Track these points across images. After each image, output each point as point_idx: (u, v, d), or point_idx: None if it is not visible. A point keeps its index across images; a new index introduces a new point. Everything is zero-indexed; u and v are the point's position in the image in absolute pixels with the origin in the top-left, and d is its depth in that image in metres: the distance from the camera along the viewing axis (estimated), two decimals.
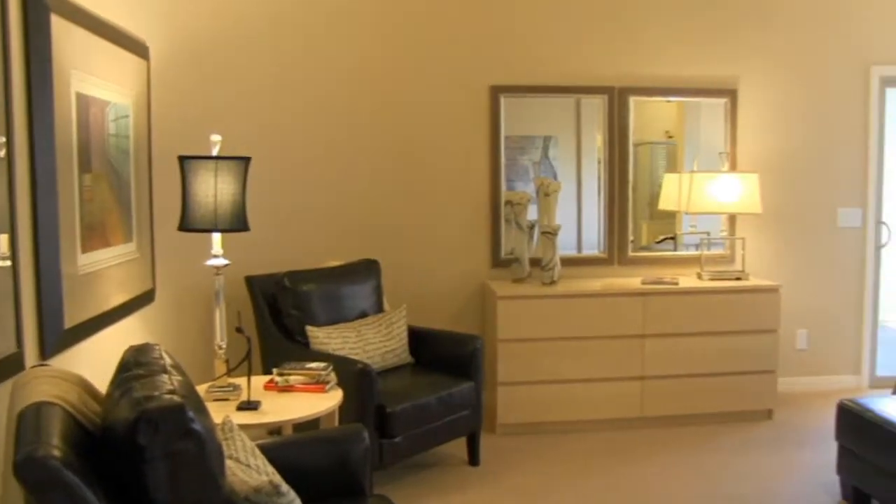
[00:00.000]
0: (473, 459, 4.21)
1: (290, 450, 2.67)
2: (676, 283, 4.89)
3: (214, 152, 3.46)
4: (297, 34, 4.83)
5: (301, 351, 3.93)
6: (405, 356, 4.28)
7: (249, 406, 3.17)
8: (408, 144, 5.02)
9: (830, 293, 5.62)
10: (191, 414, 1.74)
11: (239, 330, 3.32)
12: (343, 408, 3.42)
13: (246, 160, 3.41)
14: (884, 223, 5.74)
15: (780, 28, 5.41)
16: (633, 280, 5.03)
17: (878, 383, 5.62)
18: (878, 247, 5.71)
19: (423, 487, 3.94)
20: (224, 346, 3.48)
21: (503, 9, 5.08)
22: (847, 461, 3.74)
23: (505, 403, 4.65)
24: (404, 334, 4.29)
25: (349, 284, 4.39)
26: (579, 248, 5.32)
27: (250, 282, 4.28)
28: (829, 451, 3.92)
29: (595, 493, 3.90)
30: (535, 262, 4.94)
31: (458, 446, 4.22)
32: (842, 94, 5.54)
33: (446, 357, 4.24)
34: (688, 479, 4.08)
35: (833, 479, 3.85)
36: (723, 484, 4.02)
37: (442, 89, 5.04)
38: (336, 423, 3.38)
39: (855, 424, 3.67)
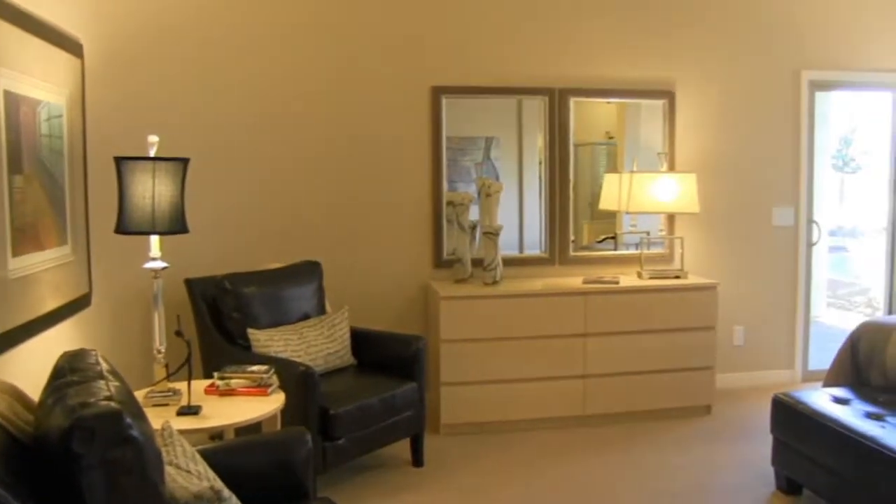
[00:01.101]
0: (417, 460, 4.21)
1: (231, 454, 2.63)
2: (617, 283, 4.95)
3: (152, 153, 3.40)
4: (237, 34, 4.77)
5: (242, 354, 3.88)
6: (348, 358, 4.26)
7: (190, 411, 3.12)
8: (349, 146, 4.99)
9: (765, 290, 5.76)
10: (128, 420, 1.70)
11: (178, 334, 3.27)
12: (285, 411, 3.38)
13: (185, 161, 3.36)
14: (815, 222, 5.91)
15: (715, 32, 5.53)
16: (574, 280, 5.08)
17: (810, 377, 5.78)
18: (810, 245, 5.88)
19: (367, 489, 3.92)
20: (163, 350, 3.42)
21: (445, 10, 5.09)
22: (781, 452, 3.84)
23: (448, 404, 4.65)
24: (347, 336, 4.27)
25: (291, 286, 4.35)
26: (521, 249, 5.36)
27: (190, 285, 4.21)
28: (764, 443, 4.01)
29: (538, 492, 3.93)
30: (477, 263, 4.95)
31: (402, 447, 4.21)
32: (774, 97, 5.68)
33: (389, 358, 4.23)
34: (630, 475, 4.14)
35: (769, 471, 3.95)
36: (663, 479, 4.09)
37: (383, 90, 5.02)
38: (278, 427, 3.35)
39: (788, 417, 3.77)
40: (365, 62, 4.98)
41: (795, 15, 5.67)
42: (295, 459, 2.67)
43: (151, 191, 3.25)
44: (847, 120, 12.42)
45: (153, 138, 3.44)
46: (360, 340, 4.34)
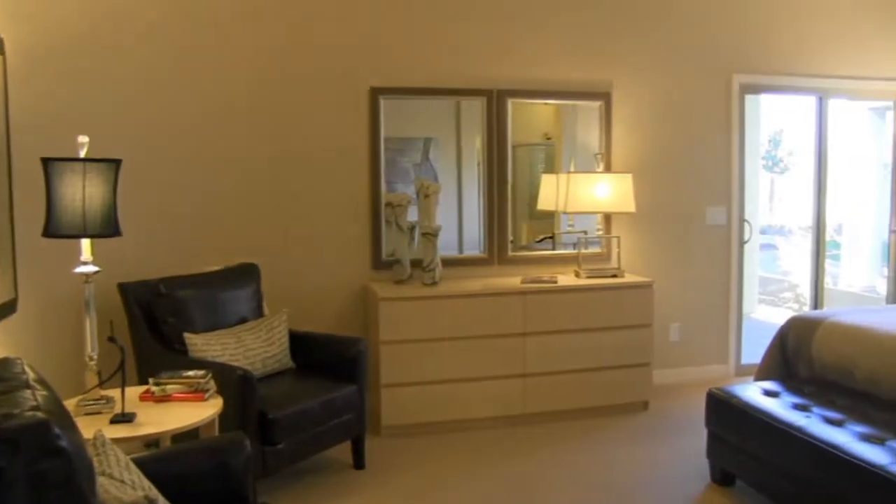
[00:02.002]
0: (359, 463, 4.19)
1: (168, 462, 2.58)
2: (555, 282, 5.00)
3: (82, 154, 3.32)
4: (169, 33, 4.69)
5: (179, 359, 3.81)
6: (287, 361, 4.22)
7: (124, 419, 3.06)
8: (287, 146, 4.94)
9: (700, 288, 5.88)
10: (56, 430, 1.65)
11: (111, 339, 3.19)
12: (224, 416, 3.33)
13: (117, 162, 3.29)
14: (746, 221, 6.06)
15: (651, 36, 5.63)
16: (513, 279, 5.12)
17: (743, 371, 5.93)
18: (742, 243, 6.02)
19: (307, 493, 3.89)
20: (95, 357, 3.34)
21: (384, 10, 5.07)
22: (715, 445, 3.94)
23: (389, 405, 4.64)
24: (285, 339, 4.23)
25: (228, 289, 4.29)
26: (460, 249, 5.38)
27: (123, 289, 4.11)
28: (700, 437, 4.10)
29: (480, 491, 3.95)
30: (416, 264, 4.95)
31: (343, 450, 4.18)
32: (707, 100, 5.81)
33: (329, 360, 4.20)
34: (570, 472, 4.19)
35: (704, 463, 4.04)
36: (603, 475, 4.14)
37: (321, 91, 4.99)
38: (216, 432, 3.30)
39: (722, 411, 3.87)
40: (303, 62, 4.94)
41: (727, 21, 5.81)
42: (233, 465, 2.63)
43: (82, 193, 3.17)
44: (775, 122, 12.76)
45: (83, 139, 3.35)
46: (300, 343, 4.30)
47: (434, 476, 4.13)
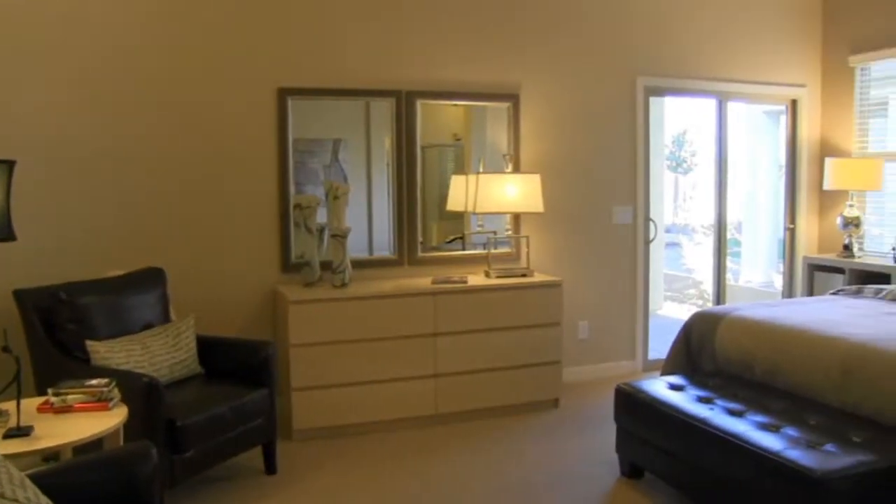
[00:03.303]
0: (270, 468, 4.12)
1: (68, 476, 2.49)
2: (465, 282, 5.03)
3: None
4: (72, 31, 4.52)
5: (81, 368, 3.67)
6: (195, 367, 4.12)
7: (19, 432, 2.92)
8: (192, 148, 4.83)
9: (607, 286, 6.01)
10: None
11: (6, 349, 3.06)
12: (129, 425, 3.23)
13: (10, 163, 3.16)
14: (652, 220, 6.22)
15: (559, 38, 5.72)
16: (423, 280, 5.13)
17: (650, 366, 6.08)
18: (647, 242, 6.18)
19: (218, 501, 3.81)
20: None
21: (290, 10, 5.01)
22: (624, 440, 4.03)
23: (300, 409, 4.59)
24: (193, 344, 4.14)
25: (132, 295, 4.17)
26: (371, 251, 5.36)
27: (19, 296, 3.94)
28: (609, 431, 4.19)
29: (392, 493, 3.94)
30: (325, 266, 4.91)
31: (255, 456, 4.11)
32: (613, 102, 5.94)
33: (238, 365, 4.13)
34: (483, 470, 4.22)
35: (614, 457, 4.13)
36: (515, 472, 4.19)
37: (227, 91, 4.89)
38: (121, 443, 3.20)
39: (630, 406, 3.96)
40: (210, 63, 4.84)
41: (632, 24, 5.96)
42: (139, 475, 2.55)
43: None
44: (679, 124, 13.16)
45: None
46: (208, 348, 4.21)
47: (346, 479, 4.10)
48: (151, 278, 4.34)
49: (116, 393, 3.31)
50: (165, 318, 4.28)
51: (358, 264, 5.09)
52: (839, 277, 6.13)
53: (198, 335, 4.20)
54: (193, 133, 4.83)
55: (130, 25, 4.66)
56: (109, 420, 3.12)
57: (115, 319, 4.00)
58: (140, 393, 3.40)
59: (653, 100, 6.19)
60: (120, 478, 2.53)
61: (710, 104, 6.59)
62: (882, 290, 4.88)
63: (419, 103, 5.32)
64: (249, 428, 3.92)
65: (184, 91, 4.80)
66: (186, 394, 3.86)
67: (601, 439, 4.51)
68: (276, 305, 4.95)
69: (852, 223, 6.23)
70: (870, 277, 5.87)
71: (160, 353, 3.94)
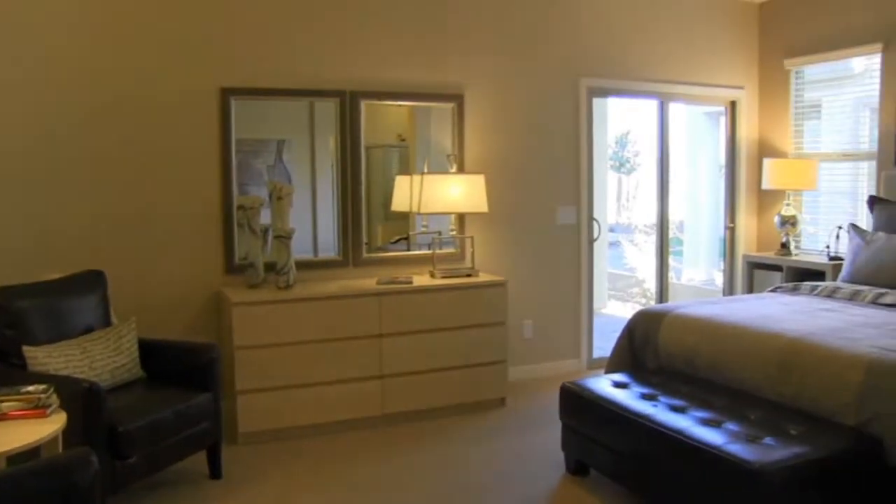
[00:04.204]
0: (215, 472, 4.07)
1: (3, 486, 2.40)
2: (410, 283, 5.02)
3: None
4: (4, 27, 4.39)
5: (17, 374, 3.57)
6: (137, 371, 4.04)
7: None
8: (133, 148, 4.74)
9: (552, 285, 6.06)
10: None
11: None
12: (69, 432, 3.16)
13: None
14: (595, 220, 6.29)
15: (502, 39, 5.75)
16: (368, 281, 5.10)
17: (594, 364, 6.15)
18: (591, 241, 6.24)
19: None
20: None
21: (233, 10, 4.94)
22: (570, 437, 4.07)
23: (245, 412, 4.53)
24: (135, 348, 4.06)
25: (71, 298, 4.07)
26: (315, 252, 5.32)
27: None
28: (555, 430, 4.22)
29: (340, 495, 3.92)
30: (270, 267, 4.86)
31: (199, 460, 4.05)
32: (556, 103, 5.99)
33: (181, 369, 4.07)
34: (430, 471, 4.22)
35: (559, 455, 4.16)
36: (463, 472, 4.20)
37: (169, 90, 4.80)
38: (60, 450, 3.12)
39: (574, 404, 4.00)
40: (150, 61, 4.75)
41: (575, 26, 6.02)
42: (79, 483, 2.48)
43: None
44: (622, 124, 13.33)
45: None
46: (150, 352, 4.13)
47: (292, 482, 4.06)
48: (91, 281, 4.24)
49: (55, 399, 3.23)
50: (106, 322, 4.18)
51: (302, 265, 5.05)
52: (777, 275, 6.27)
53: (140, 339, 4.12)
54: (134, 133, 4.74)
55: (67, 24, 4.55)
56: (47, 427, 3.04)
57: (53, 324, 3.90)
58: (80, 398, 3.32)
59: (596, 100, 6.26)
60: (59, 486, 2.46)
61: (651, 105, 6.69)
62: (817, 286, 5.00)
63: (364, 104, 5.29)
64: (194, 432, 3.87)
65: (123, 90, 4.70)
66: (128, 398, 3.79)
67: (547, 438, 4.54)
68: (220, 307, 4.88)
69: (789, 222, 6.38)
70: (806, 274, 6.02)
71: (101, 358, 3.86)
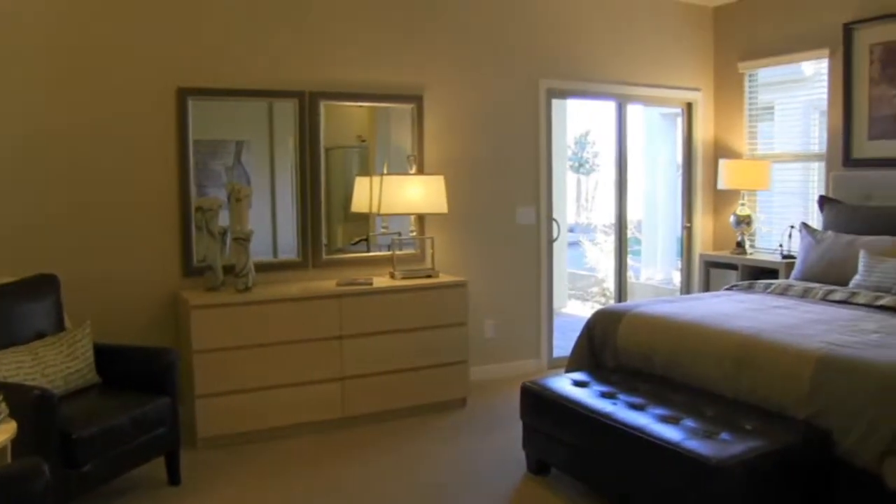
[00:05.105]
0: (174, 478, 4.01)
1: None
2: (371, 284, 5.02)
3: None
4: None
5: None
6: (92, 376, 3.97)
7: None
8: (88, 149, 4.66)
9: (512, 285, 6.09)
10: None
11: None
12: (19, 441, 3.07)
13: None
14: (555, 220, 6.33)
15: (462, 40, 5.77)
16: (328, 283, 5.08)
17: (555, 364, 6.19)
18: (551, 241, 6.29)
19: None
20: None
21: (190, 8, 4.89)
22: (530, 436, 4.09)
23: (204, 416, 4.49)
24: (90, 353, 3.99)
25: (22, 303, 3.99)
26: (275, 253, 5.28)
27: None
28: (516, 429, 4.25)
29: (301, 498, 3.90)
30: (229, 270, 4.82)
31: (157, 466, 3.99)
32: (515, 104, 6.03)
33: (138, 373, 4.01)
34: (392, 472, 4.21)
35: (520, 455, 4.18)
36: (424, 473, 4.20)
37: (124, 90, 4.73)
38: (9, 460, 3.05)
39: (535, 403, 4.03)
40: (104, 61, 4.67)
41: (535, 28, 6.06)
42: (30, 493, 2.44)
43: None
44: (581, 125, 13.45)
45: None
46: (106, 357, 4.06)
47: (252, 487, 4.03)
48: (43, 285, 4.16)
49: (4, 408, 3.15)
50: (59, 327, 4.11)
51: (262, 267, 5.01)
52: (733, 273, 6.37)
53: (95, 343, 4.05)
54: (89, 133, 4.66)
55: (21, 23, 4.46)
56: None
57: (2, 329, 3.80)
58: (30, 406, 3.25)
59: (555, 102, 6.30)
60: (9, 497, 2.42)
61: (610, 107, 6.75)
62: (771, 284, 5.10)
63: (323, 104, 5.28)
64: (151, 438, 3.81)
65: (78, 89, 4.62)
66: (83, 405, 3.72)
67: (508, 437, 4.56)
68: (178, 311, 4.83)
69: (744, 221, 6.48)
70: (760, 273, 6.13)
71: (54, 364, 3.79)
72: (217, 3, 4.98)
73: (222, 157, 5.14)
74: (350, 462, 4.36)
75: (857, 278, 4.85)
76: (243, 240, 4.73)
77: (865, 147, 5.78)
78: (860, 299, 4.51)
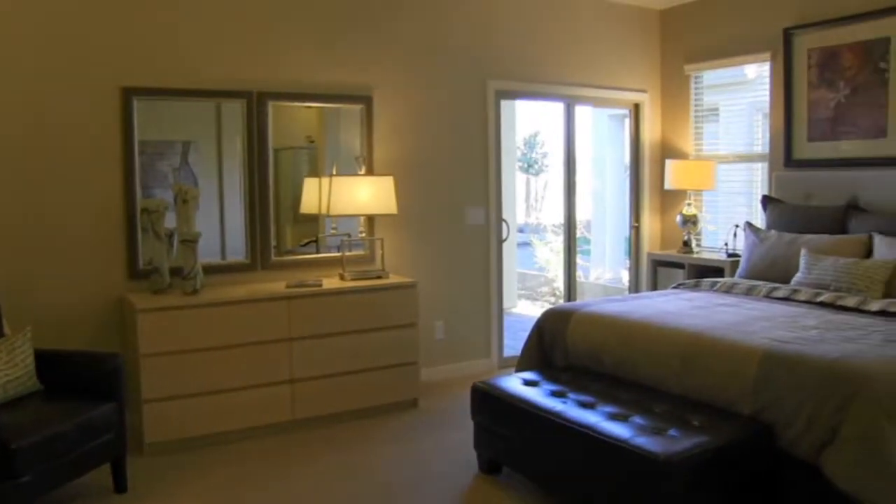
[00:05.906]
0: (120, 486, 3.94)
1: None
2: (320, 285, 4.99)
3: None
4: None
5: None
6: (32, 383, 3.87)
7: None
8: (29, 149, 4.54)
9: (462, 286, 6.10)
10: None
11: None
12: None
13: None
14: (504, 220, 6.37)
15: (411, 41, 5.77)
16: (277, 284, 5.04)
17: (506, 364, 6.22)
18: (500, 241, 6.32)
19: None
20: None
21: (135, 5, 4.80)
22: (482, 436, 4.11)
23: (152, 421, 4.42)
24: (30, 359, 3.89)
25: None
26: (224, 255, 5.22)
27: None
28: (467, 429, 4.26)
29: (252, 501, 3.86)
30: (176, 272, 4.75)
31: (103, 474, 3.91)
32: (464, 105, 6.04)
33: (82, 379, 3.92)
34: (343, 475, 4.19)
35: (472, 455, 4.19)
36: (377, 474, 4.18)
37: (66, 89, 4.62)
38: None
39: (486, 403, 4.04)
40: (46, 59, 4.56)
41: (483, 29, 6.08)
42: None
43: None
44: (530, 126, 13.54)
45: None
46: (48, 363, 3.97)
47: (201, 493, 3.97)
48: None
49: None
50: None
51: (210, 269, 4.95)
52: (680, 272, 6.47)
53: (36, 349, 3.95)
54: (29, 133, 4.54)
55: None
56: None
57: None
58: None
59: (504, 102, 6.33)
60: None
61: (558, 108, 6.80)
62: (716, 282, 5.20)
63: (271, 105, 5.23)
64: (96, 445, 3.73)
65: (18, 88, 4.50)
66: (22, 413, 3.62)
67: (460, 437, 4.57)
68: (124, 314, 4.75)
69: (690, 221, 6.59)
70: (707, 271, 6.24)
71: None
72: (163, 1, 4.89)
73: (169, 158, 5.06)
74: (299, 465, 4.32)
75: (798, 276, 4.97)
76: (190, 242, 4.66)
77: (805, 148, 5.92)
78: (801, 296, 4.62)
